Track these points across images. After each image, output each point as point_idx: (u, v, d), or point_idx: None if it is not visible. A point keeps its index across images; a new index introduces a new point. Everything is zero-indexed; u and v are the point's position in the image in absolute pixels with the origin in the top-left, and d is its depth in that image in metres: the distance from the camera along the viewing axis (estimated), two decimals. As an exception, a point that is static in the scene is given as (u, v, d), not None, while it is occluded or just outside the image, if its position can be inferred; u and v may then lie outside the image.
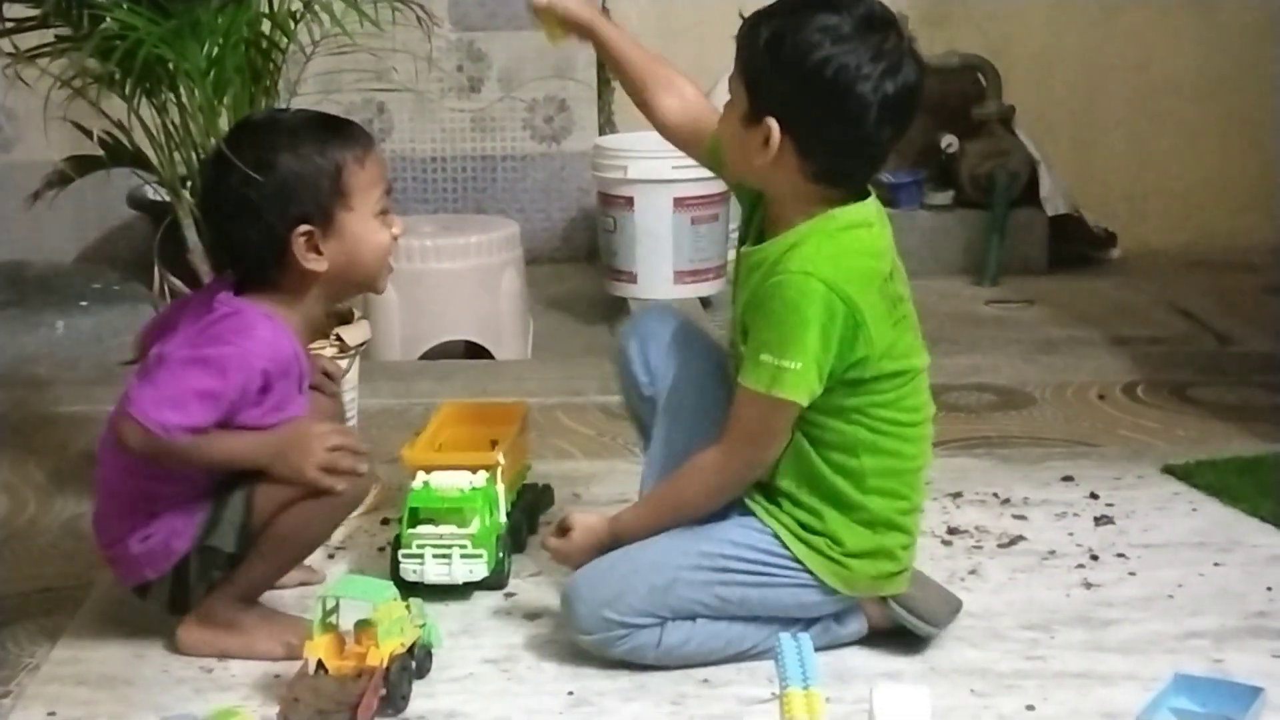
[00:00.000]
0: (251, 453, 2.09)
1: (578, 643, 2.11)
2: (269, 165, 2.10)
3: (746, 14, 2.03)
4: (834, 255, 1.99)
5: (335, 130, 2.17)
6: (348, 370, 2.64)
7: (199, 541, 2.11)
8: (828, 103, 1.95)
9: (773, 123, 1.97)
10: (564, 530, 2.21)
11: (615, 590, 2.06)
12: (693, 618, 2.08)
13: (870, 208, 2.05)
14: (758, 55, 1.97)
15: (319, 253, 2.13)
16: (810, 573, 2.07)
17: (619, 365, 2.31)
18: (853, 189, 2.04)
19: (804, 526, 2.08)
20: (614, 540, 2.14)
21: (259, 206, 2.10)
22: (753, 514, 2.10)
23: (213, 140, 2.46)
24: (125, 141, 2.61)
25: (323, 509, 2.12)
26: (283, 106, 2.26)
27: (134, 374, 2.15)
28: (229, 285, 2.17)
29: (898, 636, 2.15)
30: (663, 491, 2.14)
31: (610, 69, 2.36)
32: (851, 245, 2.01)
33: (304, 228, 2.12)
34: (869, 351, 2.00)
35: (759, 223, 2.11)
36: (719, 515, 2.12)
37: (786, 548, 2.07)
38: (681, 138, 2.25)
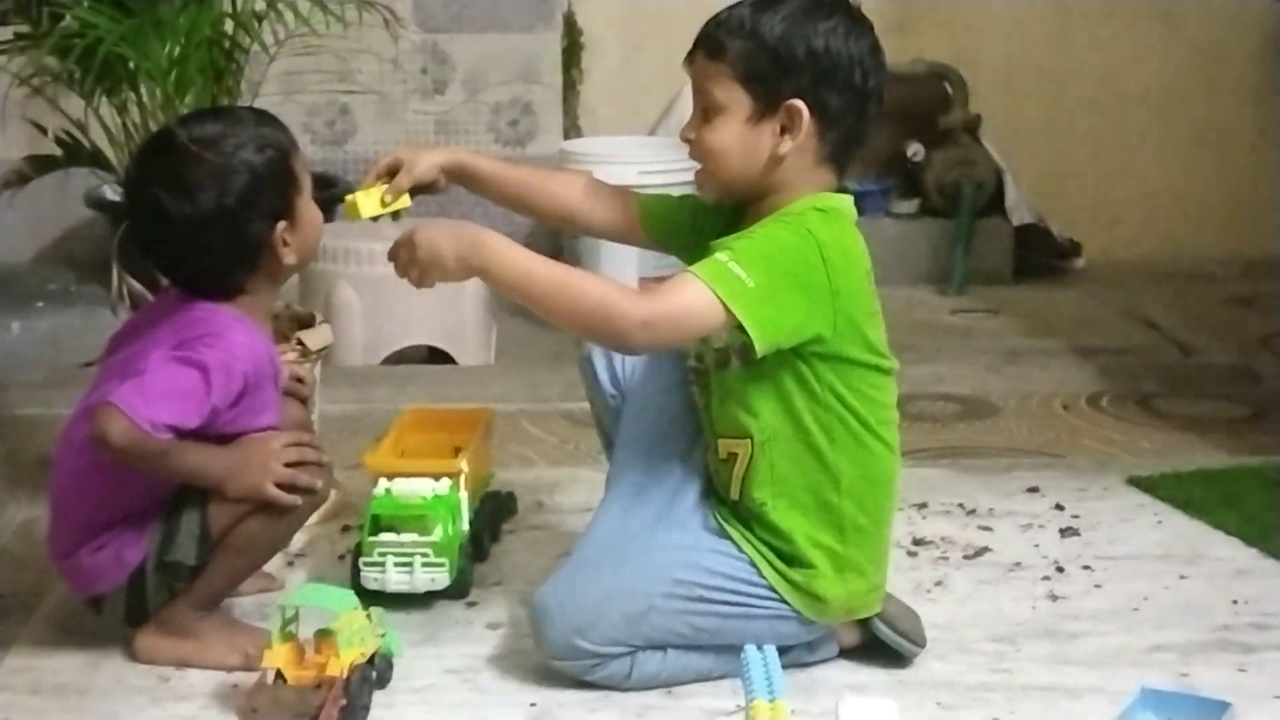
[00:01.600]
0: (213, 468, 2.05)
1: (547, 665, 2.06)
2: (232, 171, 2.06)
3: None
4: (829, 229, 1.97)
5: (258, 119, 2.14)
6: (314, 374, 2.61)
7: (156, 556, 2.08)
8: (847, 75, 1.97)
9: (799, 104, 1.96)
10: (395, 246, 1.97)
11: (588, 618, 2.00)
12: (665, 647, 2.03)
13: (849, 201, 2.05)
14: (765, 46, 1.95)
15: (287, 245, 2.12)
16: (787, 603, 2.04)
17: (586, 375, 2.28)
18: (843, 174, 2.05)
19: (779, 554, 2.04)
20: (475, 244, 1.94)
21: (235, 214, 2.06)
22: (728, 538, 2.06)
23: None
24: (84, 141, 2.57)
25: (282, 516, 2.10)
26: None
27: (97, 375, 2.12)
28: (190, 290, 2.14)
29: (864, 649, 2.13)
30: (561, 270, 1.95)
31: (504, 202, 2.25)
32: (844, 229, 2.01)
33: (282, 224, 2.10)
34: (831, 331, 1.95)
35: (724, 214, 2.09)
36: (689, 537, 2.06)
37: (763, 577, 2.04)
38: (618, 227, 2.20)
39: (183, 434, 2.01)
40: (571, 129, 4.70)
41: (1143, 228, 4.75)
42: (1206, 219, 4.71)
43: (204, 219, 2.06)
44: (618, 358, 2.21)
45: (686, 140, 2.05)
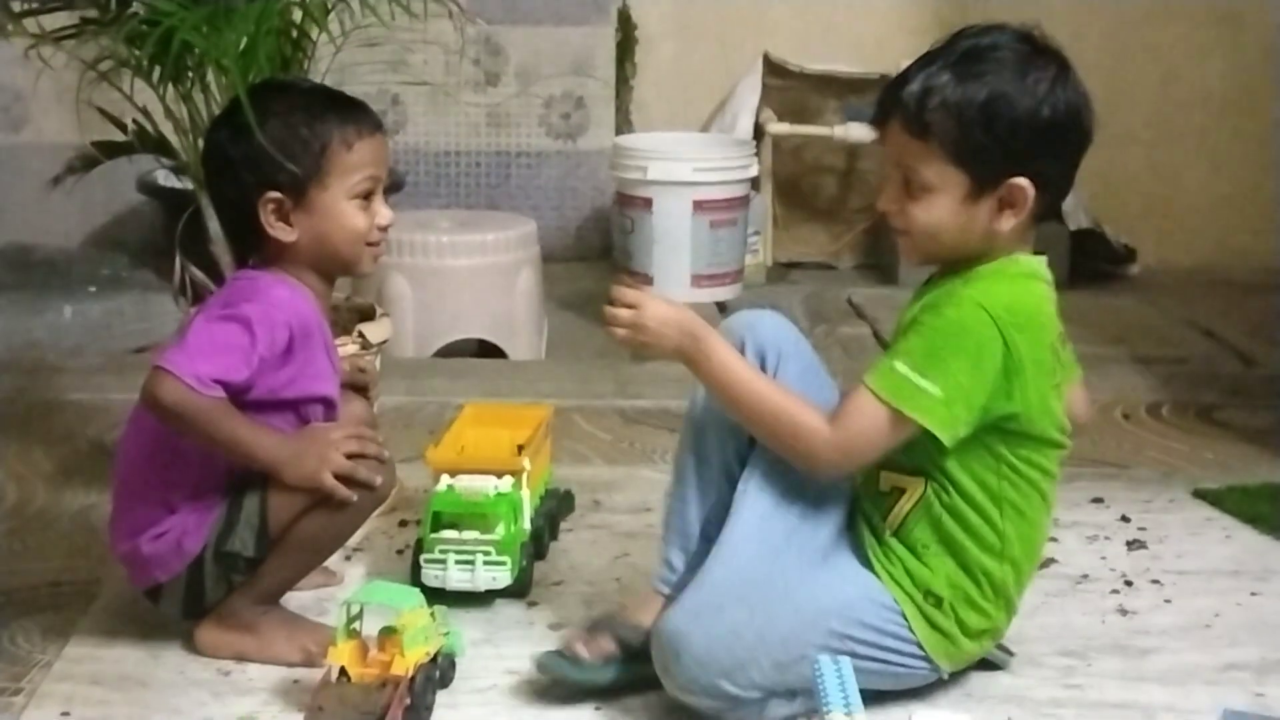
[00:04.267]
0: (271, 449, 2.04)
1: (673, 698, 1.93)
2: (258, 127, 2.08)
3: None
4: (1011, 296, 1.89)
5: (336, 108, 2.14)
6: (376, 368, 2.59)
7: (215, 546, 2.07)
8: (1066, 138, 1.89)
9: (1024, 183, 1.87)
10: (620, 303, 1.95)
11: (739, 660, 1.87)
12: (798, 694, 1.91)
13: (1044, 264, 1.98)
14: (980, 125, 1.85)
15: (288, 224, 2.10)
16: (927, 659, 1.97)
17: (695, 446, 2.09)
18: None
19: (929, 598, 1.96)
20: (695, 343, 1.93)
21: (236, 165, 2.09)
22: (879, 580, 1.97)
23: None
24: (149, 128, 2.55)
25: (345, 511, 2.07)
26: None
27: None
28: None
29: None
30: (771, 388, 1.93)
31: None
32: (1030, 292, 1.93)
33: (273, 194, 2.08)
34: (1023, 408, 1.89)
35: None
36: (849, 586, 1.95)
37: (911, 630, 1.96)
38: None
39: (241, 400, 2.01)
40: (624, 124, 4.68)
41: (1199, 234, 4.70)
42: (1264, 226, 4.64)
43: (214, 153, 2.14)
44: (770, 365, 2.02)
45: (887, 211, 1.95)
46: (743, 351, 2.01)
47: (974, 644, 2.01)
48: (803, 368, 2.04)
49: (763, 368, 2.01)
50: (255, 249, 2.15)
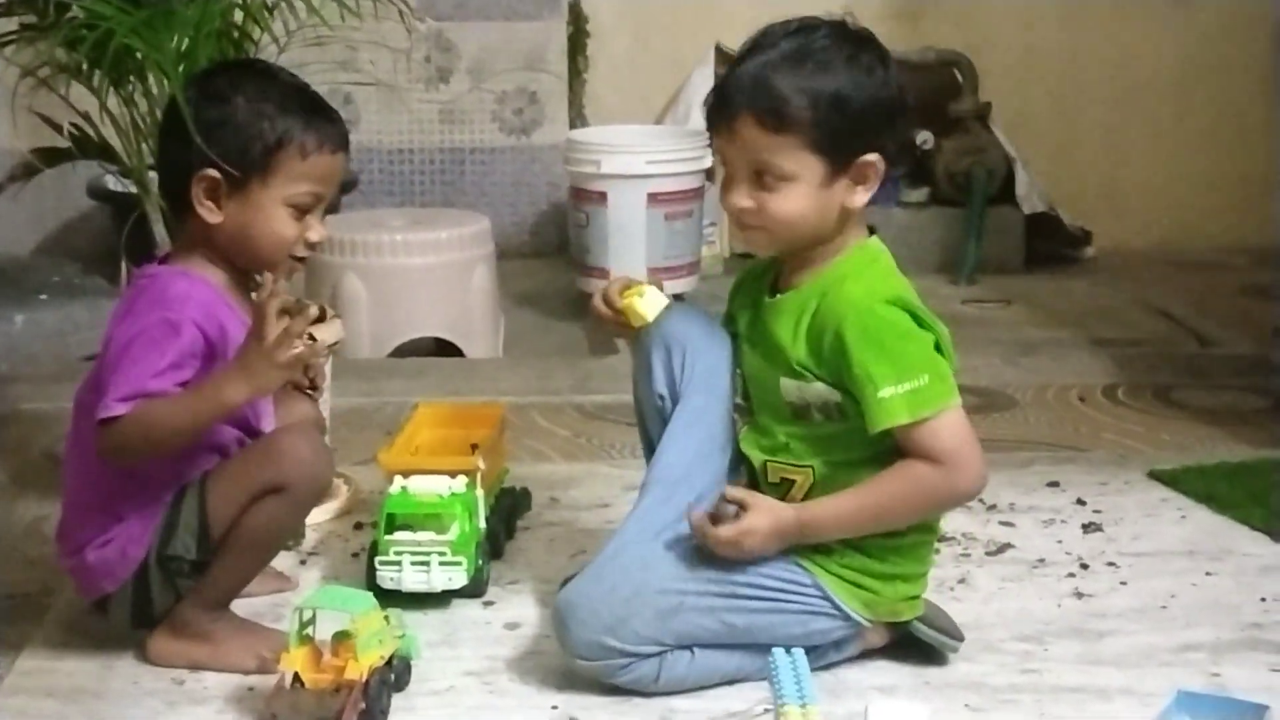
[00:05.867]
0: (217, 390, 1.97)
1: (572, 668, 2.02)
2: (223, 100, 2.06)
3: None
4: (885, 280, 1.99)
5: (306, 112, 2.09)
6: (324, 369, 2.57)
7: (158, 551, 2.05)
8: (900, 114, 2.00)
9: (876, 158, 1.96)
10: (719, 517, 1.99)
11: (619, 615, 1.96)
12: (693, 647, 2.00)
13: (878, 239, 2.07)
14: (834, 109, 1.93)
15: (218, 206, 2.07)
16: (828, 599, 2.02)
17: (640, 372, 2.17)
18: None
19: (829, 551, 2.02)
20: (799, 531, 1.98)
21: (185, 130, 2.04)
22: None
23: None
24: (92, 133, 2.53)
25: (284, 505, 2.05)
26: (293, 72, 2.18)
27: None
28: (153, 260, 2.14)
29: (889, 649, 2.10)
30: (872, 496, 1.97)
31: None
32: (890, 271, 2.02)
33: (210, 172, 2.05)
34: (948, 355, 1.99)
35: (770, 280, 2.08)
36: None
37: (808, 573, 2.01)
38: None
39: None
40: (577, 118, 4.66)
41: (1154, 216, 4.72)
42: (1219, 207, 4.67)
43: (174, 112, 2.07)
44: (677, 363, 2.11)
45: (741, 209, 1.99)
46: (659, 349, 2.11)
47: (887, 591, 2.02)
48: (710, 364, 2.09)
49: (674, 364, 2.10)
50: (180, 220, 2.12)
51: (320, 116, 2.11)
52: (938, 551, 2.43)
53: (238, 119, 2.06)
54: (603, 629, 1.96)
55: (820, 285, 2.00)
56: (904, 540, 2.01)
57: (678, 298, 3.87)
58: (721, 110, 1.98)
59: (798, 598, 2.01)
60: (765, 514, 1.97)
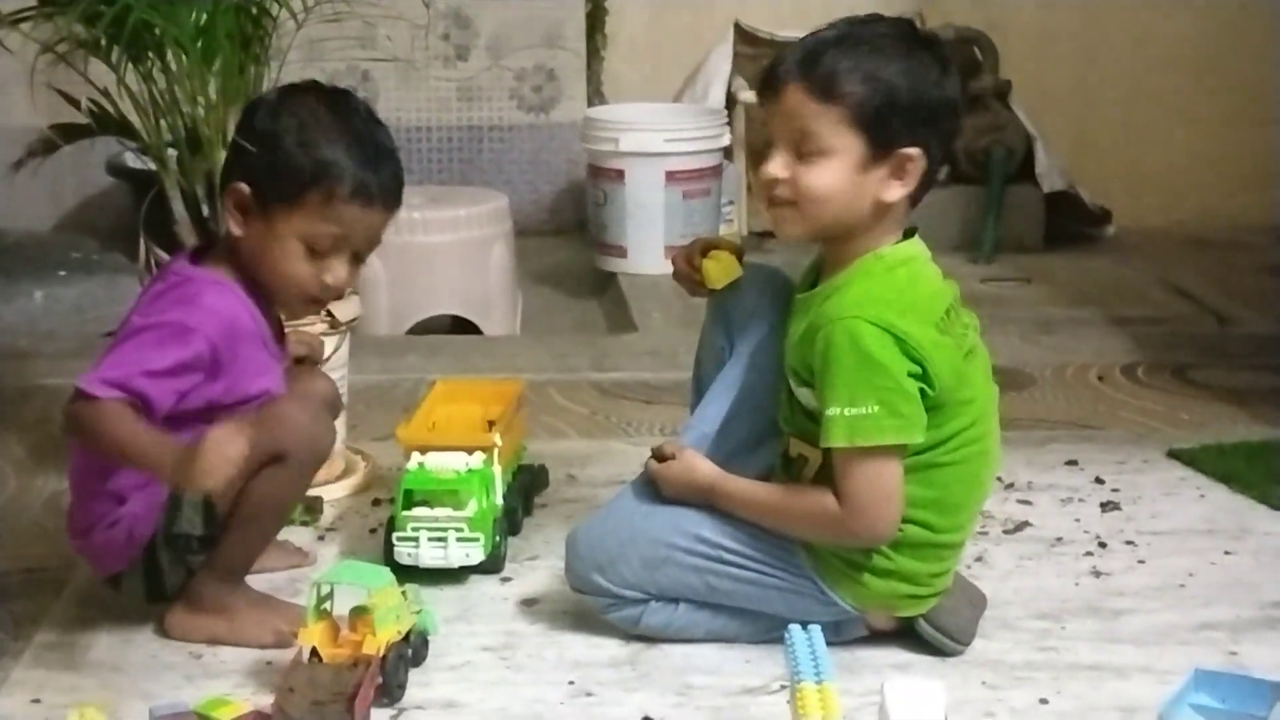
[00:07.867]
0: (162, 453, 1.93)
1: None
2: (284, 118, 2.05)
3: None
4: (881, 294, 1.94)
5: (357, 158, 2.05)
6: (339, 347, 2.58)
7: (164, 530, 2.03)
8: (952, 123, 1.99)
9: (916, 152, 1.94)
10: (664, 456, 2.08)
11: (609, 557, 2.04)
12: (677, 600, 2.05)
13: (919, 244, 2.03)
14: (887, 95, 1.92)
15: (243, 220, 2.06)
16: (813, 581, 2.01)
17: (711, 315, 2.19)
18: None
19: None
20: (708, 492, 2.04)
21: (242, 136, 2.04)
22: None
23: (200, 108, 2.40)
24: (111, 109, 2.53)
25: (286, 473, 2.05)
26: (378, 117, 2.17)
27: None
28: (188, 255, 2.13)
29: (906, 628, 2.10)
30: (779, 497, 2.02)
31: None
32: (901, 282, 1.97)
33: (240, 185, 2.05)
34: (939, 385, 1.93)
35: (811, 279, 2.07)
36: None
37: (798, 553, 2.01)
38: None
39: (182, 409, 1.99)
40: (595, 95, 4.66)
41: (1174, 194, 4.70)
42: (1239, 185, 4.65)
43: (252, 117, 2.09)
44: (737, 318, 2.15)
45: (773, 179, 1.98)
46: (722, 313, 2.16)
47: (879, 585, 2.00)
48: (768, 331, 2.10)
49: (733, 328, 2.14)
50: (222, 239, 2.12)
51: (369, 168, 2.06)
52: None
53: (284, 142, 2.05)
54: (594, 566, 2.06)
55: (829, 289, 1.99)
56: (903, 538, 1.98)
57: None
58: (772, 79, 1.99)
59: (783, 574, 2.02)
60: (683, 469, 2.06)
